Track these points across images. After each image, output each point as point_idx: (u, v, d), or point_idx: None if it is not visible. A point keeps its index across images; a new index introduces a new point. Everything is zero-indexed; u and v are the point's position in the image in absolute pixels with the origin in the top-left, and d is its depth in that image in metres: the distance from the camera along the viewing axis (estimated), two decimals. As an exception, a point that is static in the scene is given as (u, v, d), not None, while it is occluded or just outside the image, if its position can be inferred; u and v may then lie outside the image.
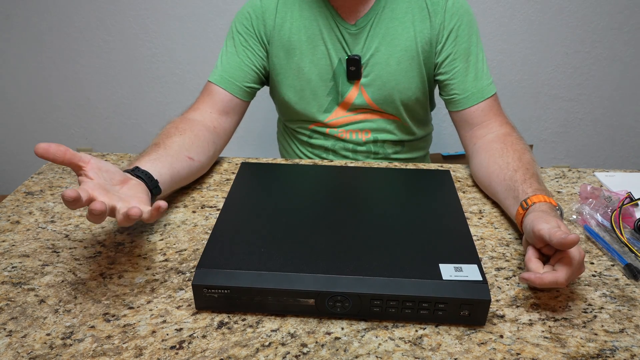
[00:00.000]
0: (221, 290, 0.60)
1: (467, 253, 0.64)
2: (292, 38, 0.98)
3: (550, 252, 0.65)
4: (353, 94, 1.01)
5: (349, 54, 0.98)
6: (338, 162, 1.01)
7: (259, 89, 1.04)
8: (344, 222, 0.71)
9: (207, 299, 0.61)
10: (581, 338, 0.59)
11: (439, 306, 0.59)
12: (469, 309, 0.59)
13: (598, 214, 0.80)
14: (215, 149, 0.94)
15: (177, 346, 0.57)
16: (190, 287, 0.66)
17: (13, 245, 0.74)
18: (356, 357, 0.57)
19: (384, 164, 0.99)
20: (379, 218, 0.72)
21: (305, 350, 0.57)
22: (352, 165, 0.97)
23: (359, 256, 0.63)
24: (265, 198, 0.77)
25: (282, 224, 0.70)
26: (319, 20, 0.97)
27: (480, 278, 0.60)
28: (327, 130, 1.05)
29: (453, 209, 0.75)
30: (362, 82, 0.99)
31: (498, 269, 0.70)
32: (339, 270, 0.61)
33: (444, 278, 0.60)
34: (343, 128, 1.04)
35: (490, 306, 0.64)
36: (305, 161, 0.99)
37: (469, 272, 0.61)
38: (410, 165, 1.00)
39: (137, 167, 0.74)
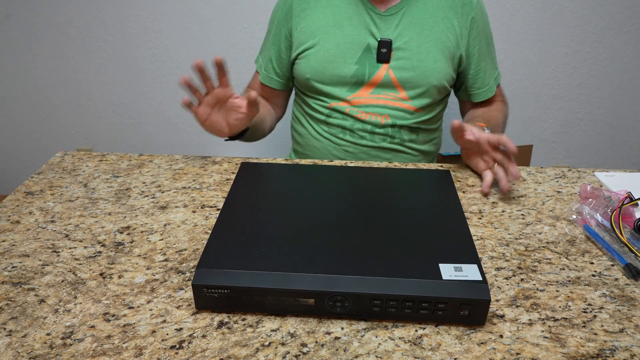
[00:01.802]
0: (221, 290, 0.60)
1: (467, 253, 0.64)
2: (320, 22, 1.04)
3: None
4: (380, 74, 1.05)
5: (379, 37, 1.03)
6: (338, 162, 1.01)
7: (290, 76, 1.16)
8: (344, 221, 0.71)
9: (207, 299, 0.61)
10: (581, 338, 0.59)
11: (439, 306, 0.59)
12: (468, 309, 0.59)
13: (598, 214, 0.80)
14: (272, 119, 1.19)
15: (177, 346, 0.58)
16: (190, 287, 0.66)
17: (13, 245, 0.74)
18: (356, 357, 0.57)
19: (383, 164, 0.99)
20: (379, 218, 0.72)
21: (305, 350, 0.57)
22: (352, 165, 0.97)
23: (359, 256, 0.63)
24: (265, 198, 0.77)
25: (282, 224, 0.70)
26: (348, 7, 1.03)
27: (480, 278, 0.60)
28: (347, 109, 1.08)
29: (453, 209, 0.75)
30: (391, 65, 1.04)
31: (498, 269, 0.71)
32: (339, 270, 0.61)
33: (443, 278, 0.60)
34: (363, 110, 1.08)
35: (490, 306, 0.64)
36: (305, 161, 0.99)
37: (469, 272, 0.61)
38: (411, 165, 1.00)
39: None
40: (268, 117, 1.13)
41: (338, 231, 0.68)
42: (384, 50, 1.03)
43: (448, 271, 0.61)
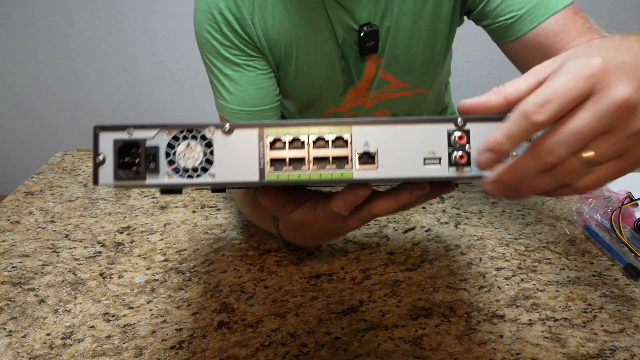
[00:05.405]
0: None
1: None
2: (282, 25, 0.76)
3: None
4: (370, 72, 0.82)
5: (358, 23, 0.76)
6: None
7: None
8: None
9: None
10: (581, 338, 0.59)
11: None
12: None
13: (598, 214, 0.80)
14: None
15: (177, 346, 0.58)
16: (190, 287, 0.66)
17: (13, 245, 0.74)
18: (356, 357, 0.57)
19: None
20: None
21: (305, 350, 0.57)
22: None
23: None
24: None
25: None
26: None
27: None
28: (346, 114, 0.90)
29: None
30: (379, 55, 0.80)
31: (498, 269, 0.71)
32: None
33: None
34: (359, 112, 0.91)
35: (490, 306, 0.64)
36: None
37: None
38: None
39: None
40: None
41: None
42: (370, 43, 0.77)
43: None
